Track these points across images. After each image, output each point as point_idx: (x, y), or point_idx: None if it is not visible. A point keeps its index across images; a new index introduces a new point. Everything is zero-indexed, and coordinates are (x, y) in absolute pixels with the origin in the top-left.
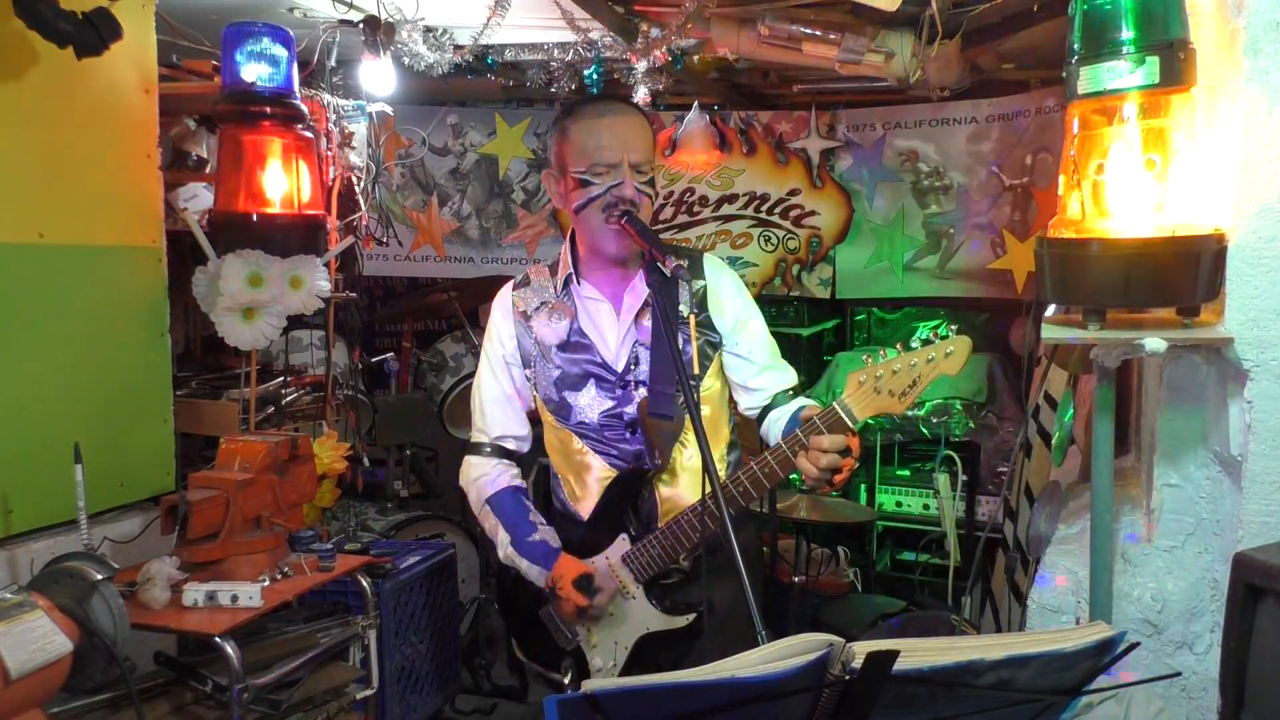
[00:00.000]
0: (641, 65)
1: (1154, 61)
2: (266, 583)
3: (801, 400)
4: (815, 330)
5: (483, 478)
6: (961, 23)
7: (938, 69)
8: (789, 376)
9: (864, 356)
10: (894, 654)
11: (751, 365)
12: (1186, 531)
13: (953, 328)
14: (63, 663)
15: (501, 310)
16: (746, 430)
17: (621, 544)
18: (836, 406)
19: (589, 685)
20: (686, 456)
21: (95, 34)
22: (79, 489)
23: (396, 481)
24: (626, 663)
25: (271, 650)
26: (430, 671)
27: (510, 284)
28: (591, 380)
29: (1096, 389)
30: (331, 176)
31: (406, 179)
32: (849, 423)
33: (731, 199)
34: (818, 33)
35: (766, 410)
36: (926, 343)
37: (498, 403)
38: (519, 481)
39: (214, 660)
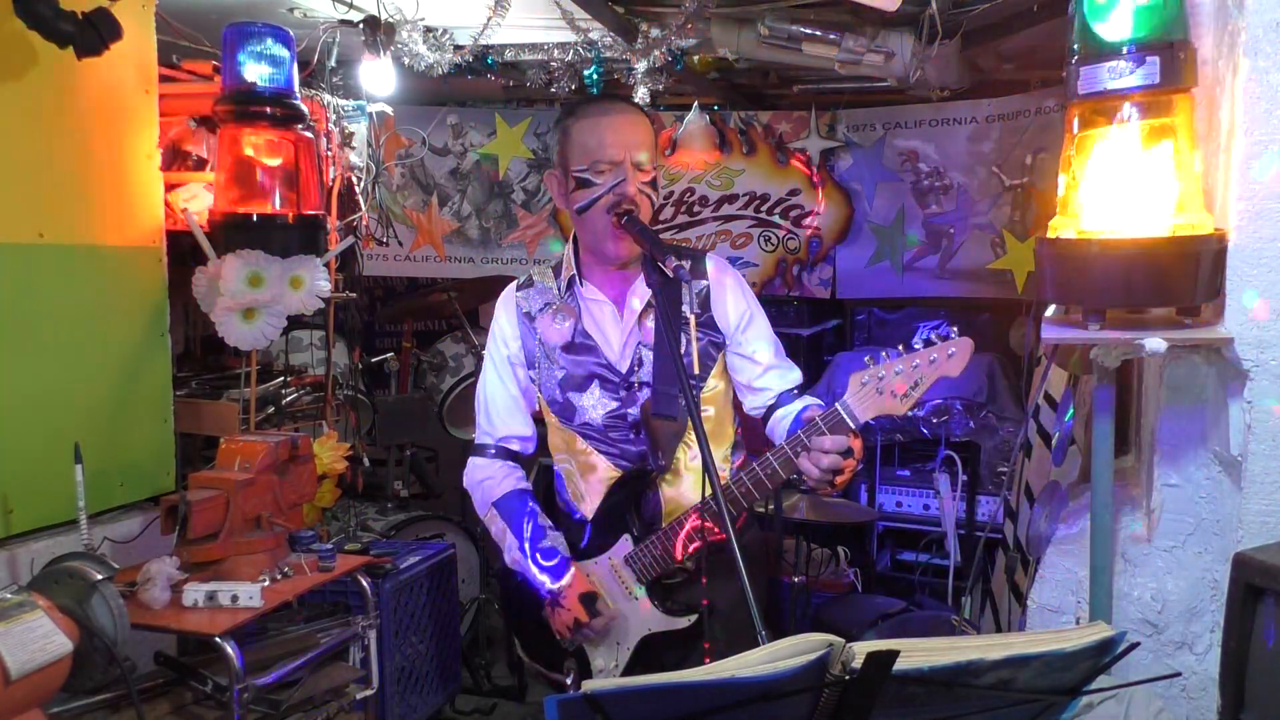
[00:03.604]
0: (641, 65)
1: (1154, 61)
2: (266, 583)
3: (806, 400)
4: (815, 330)
5: (488, 480)
6: (961, 23)
7: (938, 69)
8: (793, 375)
9: (866, 358)
10: (894, 654)
11: (755, 365)
12: (1186, 531)
13: (953, 329)
14: (63, 663)
15: (505, 311)
16: (750, 431)
17: (624, 544)
18: (838, 407)
19: (589, 685)
20: (690, 457)
21: (95, 34)
22: (79, 489)
23: (396, 481)
24: (628, 663)
25: (271, 650)
26: (430, 671)
27: (514, 284)
28: (595, 381)
29: (1096, 389)
30: (331, 176)
31: (406, 179)
32: (851, 424)
33: (731, 199)
34: (818, 33)
35: (771, 410)
36: (928, 344)
37: (502, 404)
38: (525, 484)
39: (214, 660)
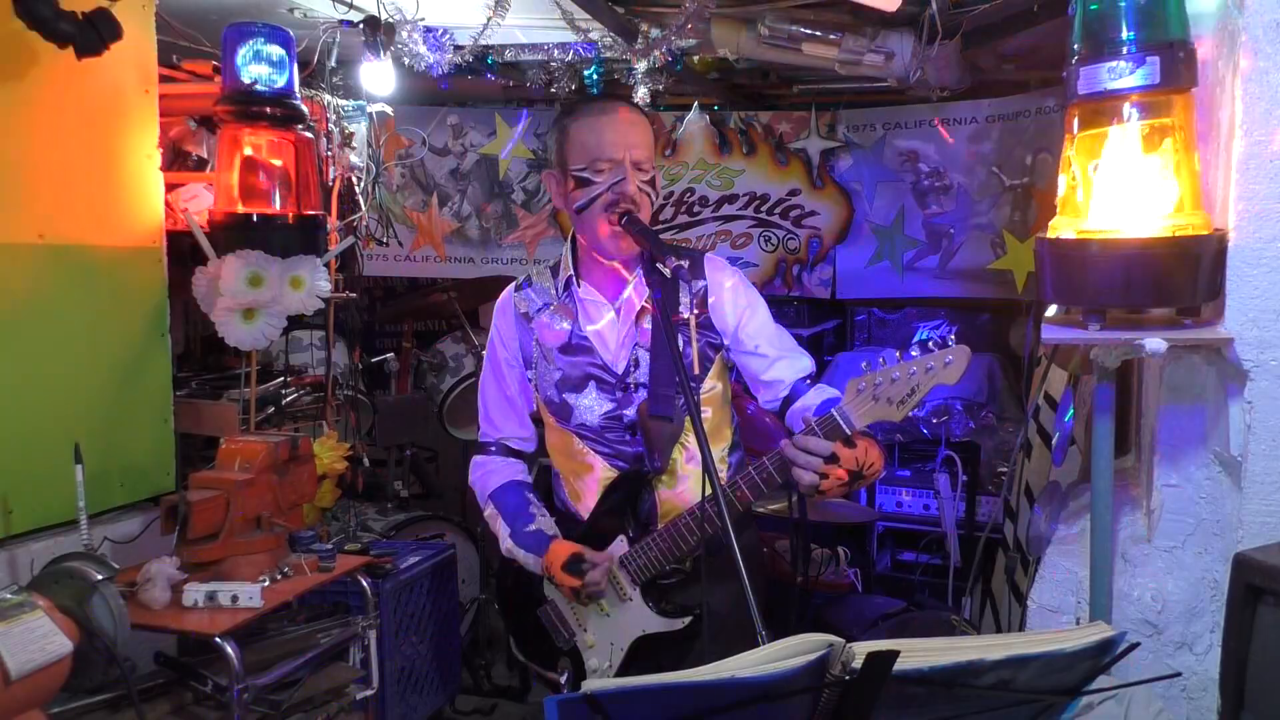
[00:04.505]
0: (641, 65)
1: (1154, 61)
2: (266, 583)
3: (823, 390)
4: (815, 330)
5: (487, 475)
6: (961, 23)
7: (938, 69)
8: (803, 363)
9: (863, 364)
10: (894, 654)
11: (761, 359)
12: (1186, 532)
13: (951, 337)
14: (63, 663)
15: (503, 312)
16: (748, 431)
17: (620, 545)
18: (834, 413)
19: (589, 685)
20: (686, 458)
21: (95, 34)
22: (79, 489)
23: (396, 481)
24: (623, 664)
25: (271, 650)
26: (430, 671)
27: (512, 285)
28: (592, 382)
29: (1096, 389)
30: (331, 176)
31: (406, 179)
32: (846, 429)
33: (731, 199)
34: (818, 33)
35: (787, 402)
36: (926, 349)
37: (501, 404)
38: (523, 476)
39: (214, 660)
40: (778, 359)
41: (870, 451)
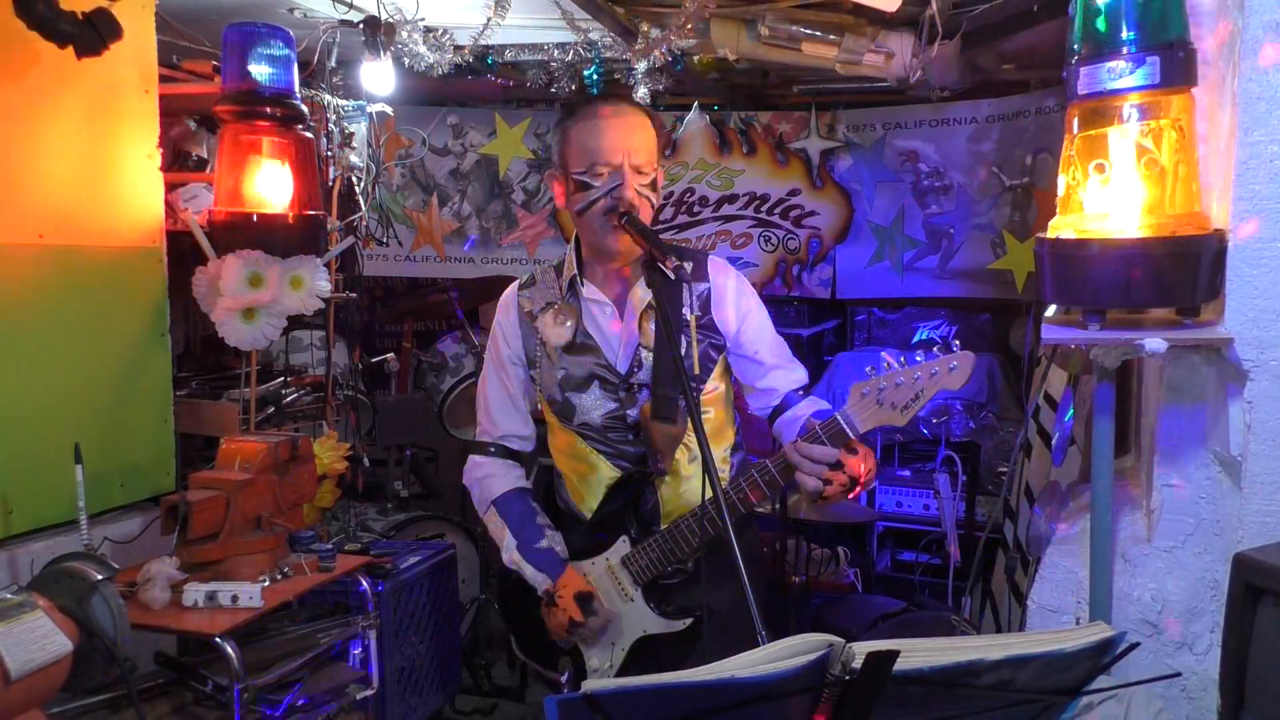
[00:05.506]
0: (641, 65)
1: (1154, 61)
2: (266, 583)
3: (815, 402)
4: (815, 330)
5: (488, 478)
6: (961, 23)
7: (938, 69)
8: (798, 375)
9: (868, 368)
10: (894, 654)
11: (758, 366)
12: (1186, 532)
13: (956, 342)
14: (63, 663)
15: (507, 310)
16: (750, 431)
17: (622, 546)
18: (838, 417)
19: (589, 685)
20: (689, 459)
21: (95, 34)
22: (79, 489)
23: (396, 481)
24: (624, 664)
25: (271, 650)
26: (430, 671)
27: (516, 284)
28: (595, 382)
29: (1096, 389)
30: (331, 177)
31: (406, 179)
32: (850, 434)
33: (731, 199)
34: (817, 33)
35: (778, 411)
36: (931, 354)
37: (502, 402)
38: (525, 483)
39: (214, 660)
40: (775, 367)
41: (868, 459)
